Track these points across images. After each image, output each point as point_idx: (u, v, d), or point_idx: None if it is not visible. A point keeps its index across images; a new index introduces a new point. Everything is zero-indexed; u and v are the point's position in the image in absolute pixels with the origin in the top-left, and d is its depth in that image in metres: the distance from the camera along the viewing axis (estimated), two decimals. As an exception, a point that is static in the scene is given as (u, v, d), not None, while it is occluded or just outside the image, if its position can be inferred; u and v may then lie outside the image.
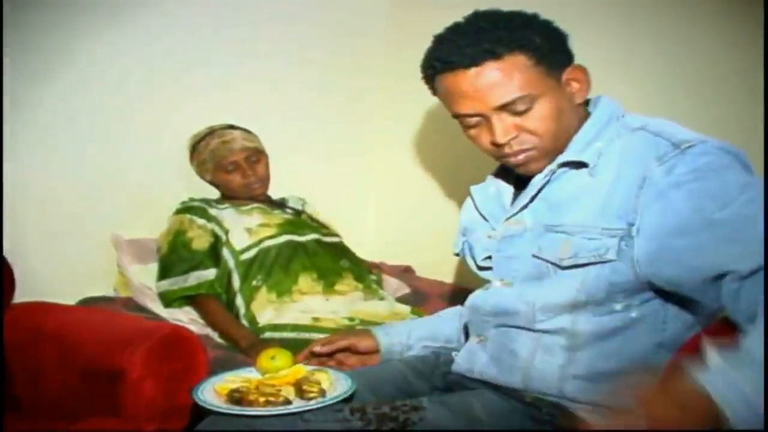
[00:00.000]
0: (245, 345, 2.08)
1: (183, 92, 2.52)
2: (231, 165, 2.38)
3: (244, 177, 2.39)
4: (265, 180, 2.45)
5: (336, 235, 2.53)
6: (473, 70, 1.37)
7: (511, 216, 1.50)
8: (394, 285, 2.59)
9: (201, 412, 1.41)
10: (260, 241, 2.32)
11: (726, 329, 1.21)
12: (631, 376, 1.36)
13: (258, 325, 2.19)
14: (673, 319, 1.37)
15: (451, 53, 1.38)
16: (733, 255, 1.21)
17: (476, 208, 1.60)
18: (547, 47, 1.39)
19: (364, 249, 2.64)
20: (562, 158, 1.42)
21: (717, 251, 1.24)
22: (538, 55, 1.37)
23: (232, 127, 2.44)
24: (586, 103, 1.50)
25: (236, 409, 1.35)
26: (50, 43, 2.24)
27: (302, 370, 1.52)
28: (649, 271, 1.32)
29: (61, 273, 2.29)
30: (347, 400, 1.40)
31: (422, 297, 2.53)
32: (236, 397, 1.39)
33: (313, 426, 1.32)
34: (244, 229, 2.34)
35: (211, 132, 2.42)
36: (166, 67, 2.50)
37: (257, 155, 2.42)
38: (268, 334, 2.15)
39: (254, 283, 2.27)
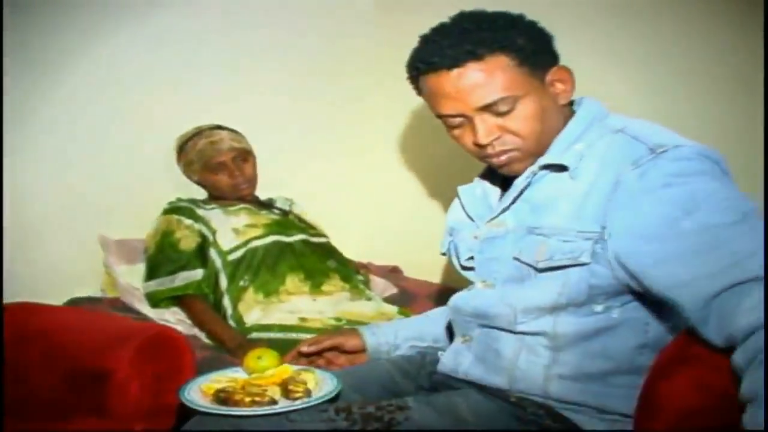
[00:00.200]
0: (232, 345, 2.08)
1: (171, 93, 2.52)
2: (218, 165, 2.38)
3: (231, 177, 2.39)
4: (253, 180, 2.45)
5: (323, 235, 2.53)
6: (455, 71, 1.38)
7: (493, 218, 1.51)
8: (381, 285, 2.60)
9: (188, 412, 1.42)
10: (247, 242, 2.32)
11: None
12: (617, 376, 1.38)
13: (245, 325, 2.19)
14: (655, 320, 1.38)
15: (433, 54, 1.39)
16: (698, 272, 1.21)
17: (463, 208, 1.61)
18: (531, 48, 1.39)
19: (351, 249, 2.64)
20: (543, 160, 1.43)
21: (682, 264, 1.24)
22: (521, 56, 1.38)
23: (219, 127, 2.44)
24: (572, 103, 1.50)
25: (222, 409, 1.36)
26: (35, 44, 2.24)
27: (288, 370, 1.52)
28: (621, 275, 1.33)
29: (48, 273, 2.29)
30: (333, 400, 1.41)
31: (409, 297, 2.53)
32: (222, 397, 1.40)
33: (298, 426, 1.32)
34: (232, 230, 2.34)
35: (198, 132, 2.42)
36: (154, 68, 2.50)
37: (245, 155, 2.42)
38: (255, 335, 2.15)
39: (241, 283, 2.27)
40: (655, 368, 1.32)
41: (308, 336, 2.03)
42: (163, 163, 2.50)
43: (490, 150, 1.43)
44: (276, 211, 2.50)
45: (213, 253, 2.31)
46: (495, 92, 1.38)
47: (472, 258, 1.54)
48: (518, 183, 1.46)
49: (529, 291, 1.41)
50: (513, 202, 1.47)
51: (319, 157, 2.91)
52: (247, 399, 1.37)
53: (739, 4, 2.01)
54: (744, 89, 2.01)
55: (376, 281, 2.61)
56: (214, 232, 2.33)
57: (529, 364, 1.41)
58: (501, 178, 1.56)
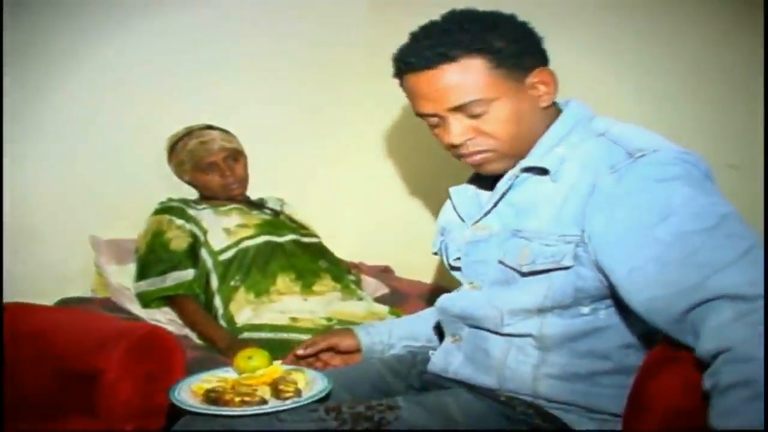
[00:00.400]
0: (223, 345, 2.08)
1: (162, 93, 2.52)
2: (209, 165, 2.38)
3: (222, 177, 2.39)
4: (244, 180, 2.45)
5: (314, 235, 2.54)
6: (430, 72, 1.38)
7: (476, 221, 1.51)
8: (372, 285, 2.60)
9: (178, 412, 1.42)
10: (239, 242, 2.32)
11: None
12: (606, 376, 1.39)
13: (236, 325, 2.19)
14: (643, 320, 1.38)
15: (411, 54, 1.40)
16: (669, 289, 1.21)
17: (454, 208, 1.61)
18: (511, 50, 1.38)
19: (342, 249, 2.64)
20: (524, 163, 1.43)
21: (654, 276, 1.23)
22: (498, 58, 1.37)
23: (210, 127, 2.44)
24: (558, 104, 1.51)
25: (212, 409, 1.36)
26: (26, 44, 2.24)
27: (279, 369, 1.52)
28: (604, 278, 1.33)
29: (39, 273, 2.29)
30: (323, 399, 1.40)
31: (401, 297, 2.54)
32: (212, 397, 1.39)
33: (288, 426, 1.32)
34: (223, 230, 2.34)
35: (189, 132, 2.42)
36: (146, 68, 2.49)
37: (236, 155, 2.42)
38: (246, 335, 2.15)
39: (232, 283, 2.27)
40: (643, 368, 1.33)
41: (299, 336, 2.03)
42: (154, 164, 2.49)
43: (464, 150, 1.44)
44: (267, 212, 2.50)
45: (204, 253, 2.31)
46: (467, 94, 1.38)
47: (459, 259, 1.55)
48: (500, 186, 1.47)
49: (515, 294, 1.41)
50: (494, 206, 1.48)
51: (311, 158, 2.91)
52: (237, 399, 1.37)
53: (737, 3, 2.01)
54: (743, 90, 2.01)
55: (368, 281, 2.61)
56: (205, 232, 2.33)
57: (518, 364, 1.41)
58: (492, 179, 1.57)
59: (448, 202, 1.64)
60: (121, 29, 2.43)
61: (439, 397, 1.44)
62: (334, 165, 2.99)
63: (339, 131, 2.97)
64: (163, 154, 2.47)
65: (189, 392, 1.44)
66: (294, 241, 2.42)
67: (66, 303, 2.28)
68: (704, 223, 1.22)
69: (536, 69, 1.41)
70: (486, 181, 1.58)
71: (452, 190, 1.62)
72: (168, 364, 1.73)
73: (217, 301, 2.26)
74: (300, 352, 1.71)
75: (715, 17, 2.06)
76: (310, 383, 1.47)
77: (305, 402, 1.38)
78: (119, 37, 2.44)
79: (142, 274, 2.31)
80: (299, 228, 2.50)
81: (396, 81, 1.48)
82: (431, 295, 2.47)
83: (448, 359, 1.53)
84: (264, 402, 1.38)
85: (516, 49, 1.39)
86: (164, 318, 2.26)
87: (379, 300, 2.48)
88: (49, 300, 2.22)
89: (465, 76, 1.37)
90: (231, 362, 1.61)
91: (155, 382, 1.69)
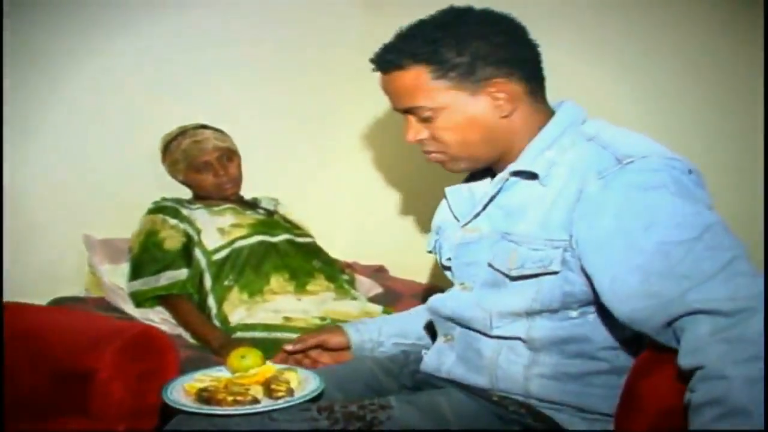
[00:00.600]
0: (217, 345, 2.08)
1: (157, 93, 2.51)
2: (203, 165, 2.38)
3: (216, 177, 2.39)
4: (238, 180, 2.45)
5: (308, 235, 2.53)
6: (386, 76, 1.45)
7: (466, 223, 1.52)
8: (366, 285, 2.60)
9: (171, 412, 1.42)
10: (232, 242, 2.32)
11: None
12: (597, 376, 1.39)
13: (230, 324, 2.19)
14: None
15: (376, 56, 1.45)
16: (649, 301, 1.22)
17: (449, 208, 1.61)
18: (461, 62, 1.39)
19: (337, 249, 2.64)
20: (513, 167, 1.43)
21: (636, 287, 1.23)
22: (445, 68, 1.39)
23: (204, 126, 2.44)
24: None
25: (204, 409, 1.36)
26: (22, 45, 2.23)
27: (271, 369, 1.52)
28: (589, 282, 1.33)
29: (33, 273, 2.28)
30: (316, 399, 1.40)
31: (395, 296, 2.53)
32: (204, 396, 1.39)
33: (280, 425, 1.32)
34: (217, 230, 2.34)
35: (182, 132, 2.42)
36: (140, 69, 2.49)
37: (229, 155, 2.42)
38: (239, 334, 2.15)
39: (226, 283, 2.27)
40: (635, 368, 1.33)
41: (292, 335, 2.03)
42: (148, 163, 2.49)
43: (422, 148, 1.49)
44: (261, 211, 2.50)
45: (198, 252, 2.31)
46: (412, 100, 1.43)
47: (450, 259, 1.56)
48: (489, 189, 1.48)
49: (504, 296, 1.42)
50: (483, 209, 1.49)
51: (307, 158, 2.91)
52: (230, 398, 1.37)
53: (735, 2, 2.01)
54: (740, 89, 2.01)
55: (362, 281, 2.61)
56: (199, 232, 2.33)
57: (509, 364, 1.41)
58: (487, 180, 1.57)
59: (443, 201, 1.65)
60: (120, 31, 2.43)
61: (432, 397, 1.44)
62: (329, 165, 2.98)
63: (334, 131, 2.96)
64: (157, 153, 2.47)
65: (182, 391, 1.44)
66: (288, 241, 2.42)
67: (59, 302, 2.27)
68: (687, 233, 1.22)
69: (492, 80, 1.41)
70: (481, 181, 1.58)
71: (448, 189, 1.63)
72: (161, 363, 1.73)
73: (211, 301, 2.26)
74: (289, 348, 1.72)
75: (712, 16, 2.06)
76: (303, 383, 1.47)
77: (297, 401, 1.38)
78: (116, 39, 2.43)
79: (135, 274, 2.30)
80: (293, 228, 2.50)
81: None
82: (425, 294, 2.47)
83: (441, 359, 1.53)
84: (256, 401, 1.38)
85: (467, 61, 1.39)
86: (157, 317, 2.26)
87: (373, 299, 2.48)
88: (42, 299, 2.21)
89: (411, 83, 1.41)
90: (224, 361, 1.61)
91: (148, 381, 1.69)
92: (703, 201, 1.30)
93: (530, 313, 1.39)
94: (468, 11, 1.45)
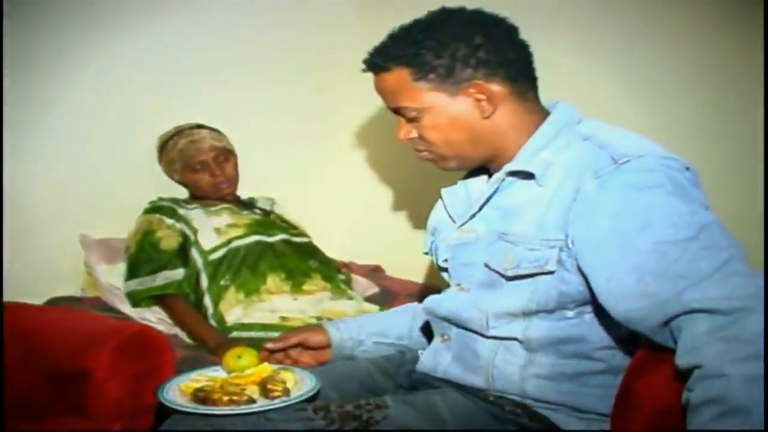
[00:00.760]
0: (213, 344, 2.08)
1: (154, 94, 2.51)
2: (199, 164, 2.38)
3: (212, 176, 2.39)
4: (234, 180, 2.45)
5: (305, 235, 2.53)
6: (376, 77, 1.49)
7: (463, 224, 1.52)
8: (363, 284, 2.60)
9: (167, 412, 1.41)
10: (229, 241, 2.32)
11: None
12: (593, 376, 1.39)
13: (226, 324, 2.19)
14: None
15: (366, 58, 1.48)
16: (645, 302, 1.22)
17: (445, 209, 1.61)
18: (440, 64, 1.41)
19: (333, 249, 2.64)
20: (509, 167, 1.44)
21: (632, 286, 1.24)
22: (425, 69, 1.41)
23: (200, 126, 2.44)
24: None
25: (200, 408, 1.36)
26: (20, 46, 2.23)
27: (268, 369, 1.52)
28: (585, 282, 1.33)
29: (28, 273, 2.27)
30: (312, 398, 1.41)
31: (391, 296, 2.53)
32: (200, 396, 1.39)
33: (276, 425, 1.32)
34: (213, 229, 2.34)
35: (179, 132, 2.42)
36: (140, 69, 2.49)
37: (226, 155, 2.42)
38: (236, 334, 2.16)
39: (222, 282, 2.26)
40: (631, 367, 1.33)
41: (288, 335, 2.02)
42: (144, 163, 2.49)
43: (413, 146, 1.52)
44: (258, 211, 2.50)
45: (194, 252, 2.31)
46: (397, 101, 1.47)
47: (447, 260, 1.56)
48: (485, 190, 1.48)
49: (500, 297, 1.42)
50: (480, 209, 1.49)
51: (303, 158, 2.91)
52: (226, 398, 1.37)
53: (734, 3, 2.01)
54: (738, 89, 2.01)
55: (358, 280, 2.61)
56: (195, 232, 2.33)
57: (505, 364, 1.41)
58: (484, 180, 1.57)
59: (439, 202, 1.65)
60: (120, 31, 2.43)
61: (428, 397, 1.44)
62: (326, 165, 2.99)
63: (331, 132, 2.97)
64: (153, 153, 2.46)
65: (177, 391, 1.44)
66: (284, 241, 2.42)
67: (56, 302, 2.27)
68: (683, 233, 1.22)
69: (472, 81, 1.42)
70: (478, 182, 1.59)
71: (444, 191, 1.63)
72: (157, 363, 1.73)
73: (207, 301, 2.25)
74: (270, 345, 1.71)
75: (710, 16, 2.06)
76: (299, 382, 1.47)
77: (293, 401, 1.38)
78: (117, 40, 2.43)
79: (132, 274, 2.30)
80: (289, 227, 2.50)
81: None
82: (421, 294, 2.47)
83: (437, 359, 1.53)
84: (252, 401, 1.38)
85: (446, 63, 1.41)
86: (154, 317, 2.26)
87: (369, 299, 2.47)
88: (38, 299, 2.22)
89: (395, 85, 1.45)
90: (220, 361, 1.61)
91: (144, 381, 1.69)
92: (699, 200, 1.30)
93: (527, 314, 1.39)
94: (456, 13, 1.46)
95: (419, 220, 2.57)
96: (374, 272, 2.78)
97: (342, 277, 2.52)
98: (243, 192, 2.52)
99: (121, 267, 2.36)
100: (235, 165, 2.45)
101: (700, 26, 2.07)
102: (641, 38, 2.18)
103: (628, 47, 2.21)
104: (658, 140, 1.39)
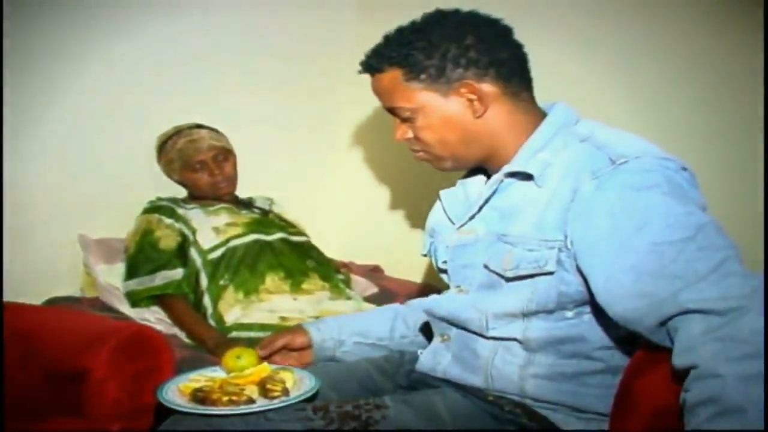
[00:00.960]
0: (212, 344, 2.08)
1: (154, 94, 2.51)
2: (198, 164, 2.38)
3: (211, 176, 2.39)
4: (233, 179, 2.45)
5: (303, 234, 2.53)
6: (372, 78, 1.51)
7: (462, 225, 1.52)
8: (362, 284, 2.60)
9: (166, 412, 1.41)
10: (227, 240, 2.32)
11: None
12: (592, 376, 1.39)
13: (225, 324, 2.19)
14: None
15: (364, 58, 1.50)
16: (642, 302, 1.22)
17: (444, 210, 1.61)
18: (432, 64, 1.42)
19: (332, 248, 2.64)
20: (508, 168, 1.44)
21: (629, 287, 1.24)
22: (417, 70, 1.43)
23: (199, 126, 2.44)
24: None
25: (199, 409, 1.36)
26: (19, 43, 2.23)
27: (267, 369, 1.52)
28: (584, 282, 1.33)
29: (28, 273, 2.27)
30: (311, 398, 1.41)
31: (390, 296, 2.52)
32: (199, 396, 1.39)
33: (275, 425, 1.32)
34: (212, 229, 2.34)
35: (178, 132, 2.42)
36: (139, 72, 2.49)
37: (225, 154, 2.42)
38: (235, 334, 2.16)
39: (221, 282, 2.26)
40: (630, 367, 1.33)
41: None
42: (143, 163, 2.49)
43: (409, 147, 1.53)
44: (256, 211, 2.50)
45: (193, 252, 2.31)
46: (391, 101, 1.49)
47: (446, 262, 1.56)
48: (484, 191, 1.49)
49: (500, 298, 1.42)
50: (479, 210, 1.49)
51: (301, 157, 2.90)
52: (225, 398, 1.37)
53: (731, 3, 2.01)
54: (736, 89, 2.00)
55: (357, 280, 2.61)
56: (194, 232, 2.33)
57: (504, 364, 1.42)
58: (482, 181, 1.57)
59: (437, 203, 1.65)
60: (120, 35, 2.43)
61: (427, 397, 1.45)
62: (326, 166, 2.99)
63: (331, 133, 2.97)
64: (152, 153, 2.46)
65: (177, 391, 1.44)
66: (282, 240, 2.42)
67: (55, 302, 2.27)
68: (680, 234, 1.22)
69: (463, 81, 1.43)
70: (476, 183, 1.59)
71: (442, 192, 1.63)
72: (156, 363, 1.73)
73: (206, 301, 2.25)
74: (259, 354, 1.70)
75: (706, 16, 2.05)
76: (298, 382, 1.47)
77: (293, 401, 1.38)
78: (117, 43, 2.43)
79: (130, 274, 2.30)
80: (288, 227, 2.50)
81: None
82: (420, 294, 2.46)
83: (437, 359, 1.53)
84: (251, 401, 1.38)
85: (436, 63, 1.42)
86: (153, 317, 2.25)
87: (368, 299, 2.47)
88: (37, 299, 2.22)
89: (388, 85, 1.47)
90: (220, 361, 1.61)
91: (143, 381, 1.69)
92: (696, 201, 1.30)
93: (526, 314, 1.39)
94: (450, 15, 1.47)
95: (418, 220, 2.57)
96: (373, 272, 2.78)
97: (341, 276, 2.52)
98: (242, 193, 2.52)
99: (120, 267, 2.36)
100: (234, 165, 2.45)
101: (696, 26, 2.07)
102: (637, 39, 2.18)
103: (624, 48, 2.20)
104: (655, 141, 1.40)
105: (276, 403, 1.36)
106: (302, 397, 1.39)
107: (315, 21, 2.85)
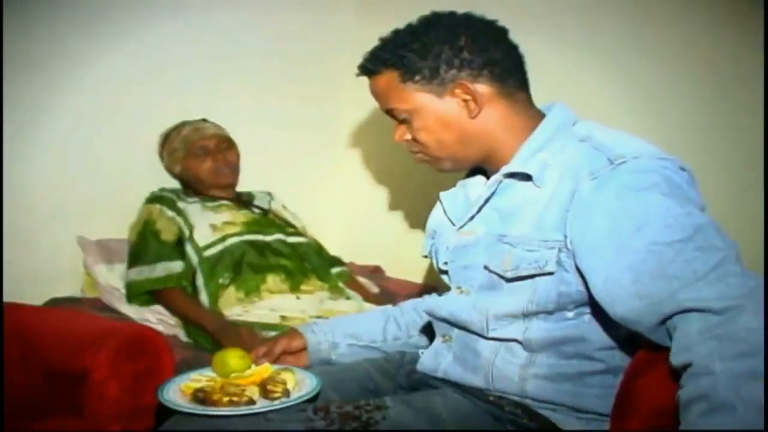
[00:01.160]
0: (212, 328, 2.09)
1: (155, 95, 2.51)
2: (202, 150, 2.41)
3: (215, 161, 2.41)
4: (235, 168, 2.47)
5: (300, 233, 2.53)
6: (369, 80, 1.52)
7: (461, 226, 1.53)
8: (363, 285, 2.59)
9: (167, 412, 1.41)
10: (224, 238, 2.33)
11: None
12: (593, 376, 1.39)
13: (225, 323, 2.19)
14: None
15: (361, 61, 1.51)
16: (640, 302, 1.23)
17: (444, 212, 1.61)
18: (426, 66, 1.43)
19: (332, 249, 2.64)
20: (507, 169, 1.44)
21: (627, 287, 1.24)
22: (411, 71, 1.44)
23: (204, 120, 2.49)
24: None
25: (200, 409, 1.35)
26: (19, 43, 2.23)
27: (268, 369, 1.52)
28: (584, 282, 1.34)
29: (28, 274, 2.27)
30: (312, 399, 1.40)
31: (391, 297, 2.52)
32: (200, 396, 1.39)
33: (276, 426, 1.32)
34: (209, 225, 2.34)
35: (183, 123, 2.46)
36: (140, 73, 2.49)
37: (228, 143, 2.46)
38: (235, 330, 2.16)
39: (221, 281, 2.27)
40: (630, 368, 1.33)
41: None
42: (143, 165, 2.49)
43: (408, 148, 1.54)
44: (256, 210, 2.50)
45: (189, 248, 2.31)
46: (387, 103, 1.50)
47: (447, 263, 1.56)
48: (483, 191, 1.49)
49: (500, 298, 1.42)
50: (478, 211, 1.50)
51: (301, 158, 2.91)
52: (225, 399, 1.37)
53: (733, 4, 2.01)
54: (735, 89, 2.01)
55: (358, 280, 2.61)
56: (191, 228, 2.33)
57: (505, 364, 1.42)
58: (482, 182, 1.57)
59: (437, 205, 1.65)
60: (121, 37, 2.44)
61: (428, 397, 1.44)
62: (326, 166, 2.99)
63: (331, 133, 2.97)
64: (152, 155, 2.47)
65: (177, 392, 1.44)
66: (280, 241, 2.42)
67: (55, 303, 2.27)
68: (678, 234, 1.22)
69: (457, 82, 1.44)
70: (476, 184, 1.59)
71: (442, 194, 1.63)
72: (157, 363, 1.73)
73: (203, 298, 2.25)
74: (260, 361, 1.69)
75: (703, 16, 2.06)
76: (299, 383, 1.47)
77: (293, 402, 1.38)
78: (118, 45, 2.44)
79: (132, 262, 2.31)
80: (286, 227, 2.50)
81: None
82: (421, 294, 2.46)
83: (438, 359, 1.53)
84: (252, 402, 1.38)
85: (430, 65, 1.43)
86: (154, 318, 2.25)
87: (369, 300, 2.47)
88: (38, 300, 2.22)
89: (384, 87, 1.49)
90: (220, 343, 1.60)
91: (143, 381, 1.69)
92: (695, 201, 1.30)
93: (527, 315, 1.39)
94: (444, 17, 1.48)
95: (418, 221, 2.57)
96: (374, 273, 2.78)
97: (339, 269, 2.53)
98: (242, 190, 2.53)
99: (120, 268, 2.36)
100: (237, 155, 2.48)
101: (694, 27, 2.08)
102: (634, 39, 2.18)
103: (623, 48, 2.21)
104: (654, 141, 1.40)
105: (277, 404, 1.36)
106: (303, 398, 1.39)
107: (315, 22, 2.86)
